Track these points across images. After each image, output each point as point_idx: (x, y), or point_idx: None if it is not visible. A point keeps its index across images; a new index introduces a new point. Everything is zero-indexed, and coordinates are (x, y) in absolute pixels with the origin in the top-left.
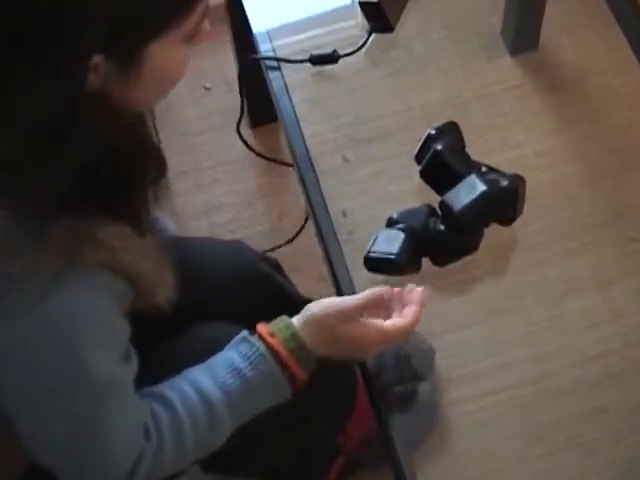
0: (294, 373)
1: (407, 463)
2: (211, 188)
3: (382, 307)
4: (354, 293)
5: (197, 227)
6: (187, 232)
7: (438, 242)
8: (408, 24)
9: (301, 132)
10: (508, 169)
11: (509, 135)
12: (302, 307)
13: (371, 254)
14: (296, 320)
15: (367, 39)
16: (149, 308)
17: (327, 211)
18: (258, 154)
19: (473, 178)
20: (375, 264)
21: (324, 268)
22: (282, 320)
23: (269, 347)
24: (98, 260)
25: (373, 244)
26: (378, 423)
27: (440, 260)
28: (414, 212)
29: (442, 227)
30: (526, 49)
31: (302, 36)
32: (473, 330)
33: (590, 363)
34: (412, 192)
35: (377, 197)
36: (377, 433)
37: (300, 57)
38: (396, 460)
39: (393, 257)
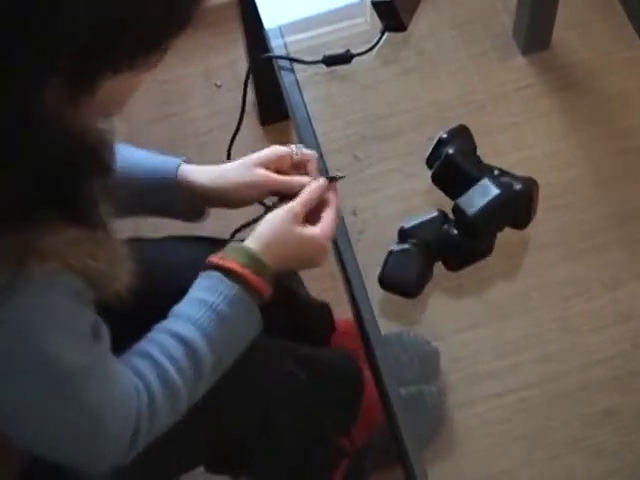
0: (244, 276)
1: (418, 464)
2: None
3: None
4: (365, 292)
5: (204, 225)
6: (194, 230)
7: (451, 247)
8: (420, 23)
9: (313, 130)
10: (518, 170)
11: (520, 136)
12: (310, 308)
13: (386, 280)
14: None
15: (380, 38)
16: (109, 299)
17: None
18: None
19: (486, 182)
20: (390, 288)
21: (334, 266)
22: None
23: (222, 268)
24: (46, 270)
25: (386, 266)
26: (388, 424)
27: (453, 265)
28: (427, 222)
29: (455, 231)
30: (538, 49)
31: (314, 32)
32: (480, 331)
33: (598, 365)
34: (423, 191)
35: (388, 196)
36: (381, 436)
37: (312, 53)
38: (407, 461)
39: (409, 287)
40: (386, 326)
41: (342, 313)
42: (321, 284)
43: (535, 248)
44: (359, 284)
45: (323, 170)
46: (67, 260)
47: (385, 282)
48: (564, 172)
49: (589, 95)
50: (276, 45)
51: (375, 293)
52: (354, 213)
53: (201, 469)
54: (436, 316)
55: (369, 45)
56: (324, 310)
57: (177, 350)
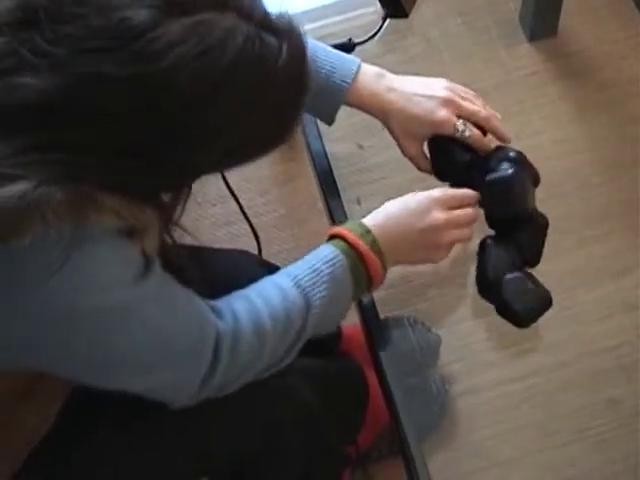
0: (355, 244)
1: (417, 453)
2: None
3: None
4: None
5: (211, 214)
6: (201, 220)
7: (524, 244)
8: (424, 10)
9: (315, 119)
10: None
11: (526, 122)
12: None
13: (521, 308)
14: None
15: (381, 25)
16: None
17: (340, 199)
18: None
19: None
20: (534, 313)
21: None
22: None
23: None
24: (103, 222)
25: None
26: (390, 413)
27: (536, 257)
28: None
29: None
30: (544, 36)
31: (317, 24)
32: (486, 320)
33: (603, 354)
34: (426, 179)
35: (391, 184)
36: (389, 427)
37: None
38: (407, 450)
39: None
40: (388, 314)
41: None
42: None
43: None
44: None
45: (325, 156)
46: (119, 212)
47: (527, 317)
48: (571, 159)
49: (596, 82)
50: None
51: None
52: (358, 202)
53: None
54: (443, 304)
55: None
56: None
57: (271, 292)
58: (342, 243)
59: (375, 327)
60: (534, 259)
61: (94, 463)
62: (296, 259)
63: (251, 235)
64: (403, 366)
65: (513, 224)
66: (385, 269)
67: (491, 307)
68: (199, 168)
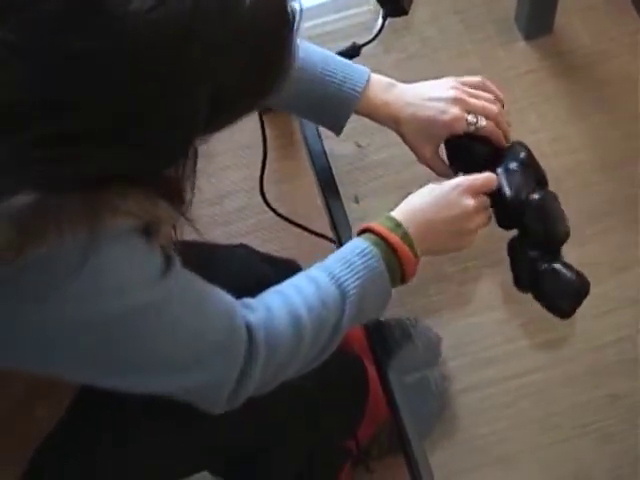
0: (386, 237)
1: (419, 450)
2: (223, 174)
3: None
4: None
5: (210, 214)
6: (200, 220)
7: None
8: (422, 9)
9: None
10: None
11: (524, 121)
12: None
13: (563, 300)
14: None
15: (382, 25)
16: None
17: (339, 197)
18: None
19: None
20: (576, 301)
21: None
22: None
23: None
24: (118, 224)
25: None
26: (390, 410)
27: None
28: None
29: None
30: (541, 34)
31: (313, 22)
32: (487, 316)
33: (604, 349)
34: (424, 179)
35: (389, 183)
36: (386, 423)
37: (313, 43)
38: (408, 447)
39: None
40: (388, 313)
41: None
42: None
43: None
44: None
45: (324, 155)
46: (132, 210)
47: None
48: (569, 157)
49: (593, 79)
50: None
51: None
52: (355, 200)
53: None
54: (443, 301)
55: (371, 32)
56: None
57: (304, 283)
58: (373, 236)
59: (376, 327)
60: (559, 236)
61: (101, 459)
62: (296, 258)
63: (248, 235)
64: (404, 366)
65: (516, 214)
66: (417, 261)
67: (493, 304)
68: (187, 128)
